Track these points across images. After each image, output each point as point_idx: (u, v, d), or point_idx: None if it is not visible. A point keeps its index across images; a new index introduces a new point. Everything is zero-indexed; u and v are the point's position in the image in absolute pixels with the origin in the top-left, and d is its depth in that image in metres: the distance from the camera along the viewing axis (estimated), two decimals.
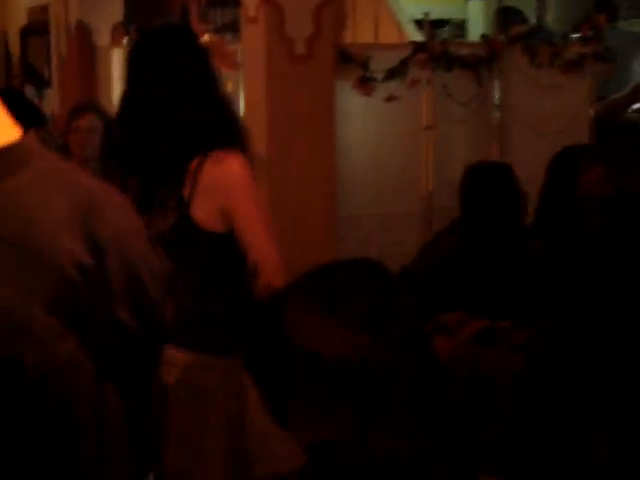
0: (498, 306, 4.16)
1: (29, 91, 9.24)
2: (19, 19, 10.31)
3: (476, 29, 9.22)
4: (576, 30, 6.18)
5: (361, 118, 5.53)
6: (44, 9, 9.43)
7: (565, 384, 4.08)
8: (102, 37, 8.26)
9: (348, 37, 7.15)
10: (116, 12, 8.46)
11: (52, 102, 9.10)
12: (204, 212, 2.98)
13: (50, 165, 1.51)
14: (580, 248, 4.32)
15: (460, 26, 10.51)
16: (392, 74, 5.56)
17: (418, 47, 5.73)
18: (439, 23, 8.97)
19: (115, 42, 8.07)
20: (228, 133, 3.05)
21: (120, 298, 1.51)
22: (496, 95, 5.91)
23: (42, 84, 9.61)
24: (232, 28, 7.67)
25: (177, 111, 3.00)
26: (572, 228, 4.37)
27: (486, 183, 4.38)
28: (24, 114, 6.35)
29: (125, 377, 1.55)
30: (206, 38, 7.58)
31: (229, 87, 7.58)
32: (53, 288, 1.38)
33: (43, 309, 1.35)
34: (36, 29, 9.95)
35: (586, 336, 4.16)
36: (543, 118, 5.97)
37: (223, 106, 3.11)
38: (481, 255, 4.26)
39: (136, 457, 1.63)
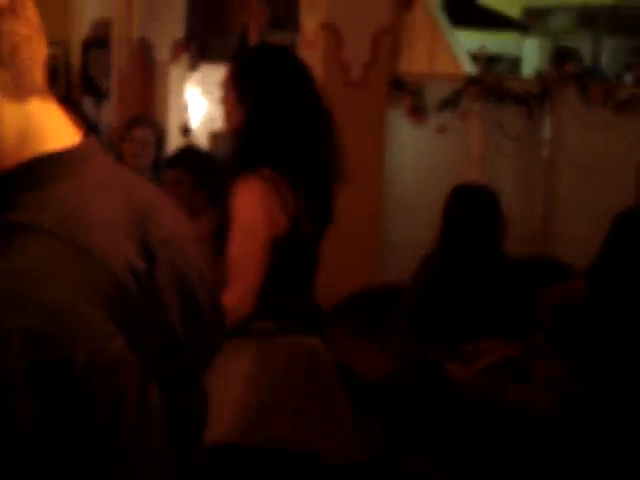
0: (484, 326, 4.21)
1: (87, 102, 9.38)
2: (82, 31, 10.45)
3: (531, 66, 9.25)
4: (629, 71, 6.21)
5: (411, 146, 5.59)
6: (107, 23, 9.57)
7: (602, 426, 4.08)
8: (162, 53, 8.37)
9: (403, 66, 7.23)
10: (177, 29, 8.58)
11: (109, 114, 9.22)
12: None
13: (108, 169, 1.53)
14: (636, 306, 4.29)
15: (515, 62, 10.57)
16: (444, 105, 5.63)
17: (472, 80, 5.80)
18: (494, 58, 9.03)
19: (174, 58, 8.18)
20: (277, 153, 3.12)
21: (170, 302, 1.52)
22: (546, 131, 5.94)
23: (101, 96, 9.73)
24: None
25: (260, 125, 3.12)
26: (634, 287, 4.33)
27: (463, 205, 4.39)
28: (80, 124, 6.45)
29: (170, 381, 1.54)
30: None
31: None
32: (105, 288, 1.38)
33: (94, 308, 1.36)
34: (98, 42, 10.09)
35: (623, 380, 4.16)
36: (591, 157, 5.98)
37: (299, 127, 3.17)
38: (457, 279, 4.28)
39: (178, 462, 1.64)
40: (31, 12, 1.45)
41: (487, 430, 4.04)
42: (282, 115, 3.13)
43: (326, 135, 3.26)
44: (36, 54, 1.43)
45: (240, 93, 3.17)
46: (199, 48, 8.44)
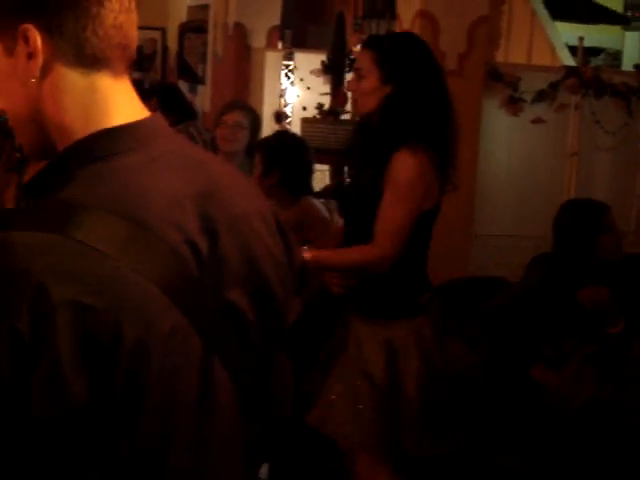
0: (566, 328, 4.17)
1: (183, 87, 9.47)
2: (179, 16, 10.56)
3: (631, 60, 9.09)
4: None
5: (506, 137, 5.54)
6: (204, 8, 9.65)
7: None
8: (258, 39, 8.41)
9: (500, 56, 7.15)
10: (273, 16, 8.62)
11: (204, 99, 9.30)
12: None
13: (174, 146, 1.54)
14: None
15: (615, 56, 10.40)
16: (541, 96, 5.56)
17: (570, 72, 5.71)
18: (594, 51, 8.89)
19: (270, 45, 8.22)
20: (424, 131, 3.38)
21: (234, 280, 1.52)
22: None
23: (196, 80, 9.82)
24: None
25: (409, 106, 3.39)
26: None
27: (575, 220, 4.35)
28: (178, 108, 6.52)
29: (237, 358, 1.54)
30: (358, 48, 7.69)
31: None
32: (162, 263, 1.39)
33: (150, 281, 1.37)
34: (194, 27, 10.18)
35: None
36: None
37: (440, 115, 3.44)
38: (563, 291, 4.24)
39: (248, 443, 1.63)
40: None
41: (580, 433, 3.99)
42: (426, 96, 3.40)
43: (453, 116, 3.49)
44: (107, 32, 1.44)
45: (384, 76, 3.42)
46: (294, 36, 8.46)
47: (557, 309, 4.22)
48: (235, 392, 1.54)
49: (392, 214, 3.31)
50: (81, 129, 1.45)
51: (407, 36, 3.74)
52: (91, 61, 1.44)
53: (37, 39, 1.40)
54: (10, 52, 1.43)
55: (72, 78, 1.44)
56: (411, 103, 3.38)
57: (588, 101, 5.67)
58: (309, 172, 4.66)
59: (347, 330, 3.53)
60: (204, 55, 9.58)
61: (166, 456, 1.43)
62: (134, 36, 1.51)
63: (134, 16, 1.50)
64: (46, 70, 1.42)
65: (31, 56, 1.41)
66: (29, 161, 2.78)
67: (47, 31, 1.41)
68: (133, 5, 1.50)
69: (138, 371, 1.36)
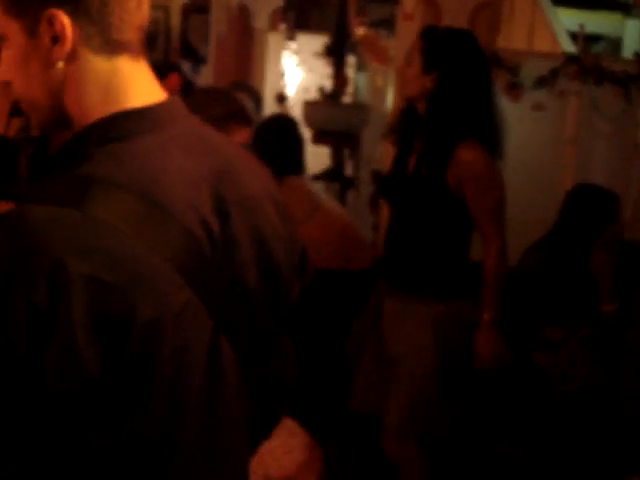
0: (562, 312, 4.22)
1: (185, 67, 9.46)
2: None
3: (631, 47, 9.09)
4: None
5: (505, 123, 5.55)
6: None
7: None
8: (261, 20, 8.42)
9: (501, 42, 7.16)
10: None
11: (207, 79, 9.31)
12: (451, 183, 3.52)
13: (190, 128, 1.56)
14: None
15: (616, 43, 10.39)
16: (541, 83, 5.58)
17: (570, 59, 5.73)
18: (594, 38, 8.90)
19: (273, 26, 8.23)
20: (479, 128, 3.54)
21: (245, 260, 1.54)
22: None
23: (198, 61, 9.81)
24: (388, 24, 7.76)
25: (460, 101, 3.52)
26: None
27: (588, 207, 4.39)
28: (182, 88, 6.50)
29: (245, 339, 1.56)
30: (361, 32, 7.71)
31: (378, 82, 7.68)
32: (176, 242, 1.41)
33: (163, 260, 1.39)
34: (197, 7, 10.15)
35: None
36: None
37: (486, 109, 3.59)
38: (561, 275, 4.29)
39: (256, 422, 1.65)
40: None
41: (579, 416, 4.03)
42: (470, 86, 3.54)
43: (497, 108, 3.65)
44: (131, 15, 1.47)
45: (425, 65, 3.54)
46: (297, 18, 8.47)
47: (555, 292, 4.26)
48: (240, 371, 1.56)
49: (490, 208, 3.53)
50: (100, 110, 1.47)
51: (457, 31, 3.85)
52: (115, 45, 1.47)
53: (66, 24, 1.42)
54: (31, 34, 1.44)
55: (96, 62, 1.46)
56: (455, 94, 3.51)
57: (588, 88, 5.69)
58: (292, 152, 4.62)
59: (382, 304, 3.65)
60: (207, 36, 9.58)
61: (176, 433, 1.45)
62: (148, 15, 1.53)
63: None
64: (72, 55, 1.44)
65: (57, 40, 1.43)
66: (34, 140, 2.83)
67: (74, 16, 1.42)
68: None
69: (150, 347, 1.38)
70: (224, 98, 3.14)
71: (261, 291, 1.58)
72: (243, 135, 3.06)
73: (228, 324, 1.51)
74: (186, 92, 6.83)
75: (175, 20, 10.77)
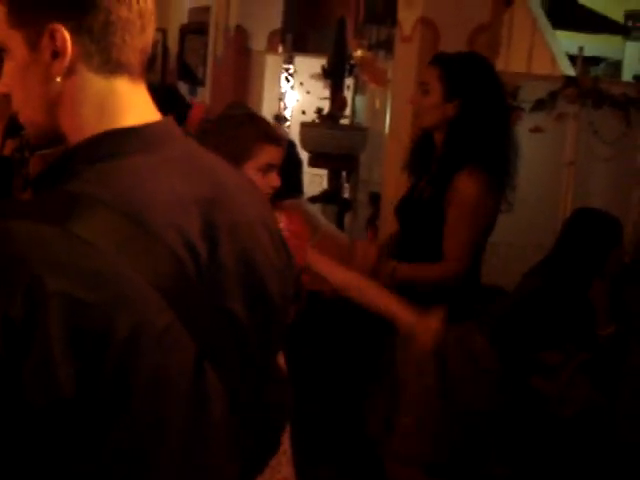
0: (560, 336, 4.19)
1: (183, 88, 9.48)
2: (179, 18, 10.57)
3: (631, 70, 9.10)
4: None
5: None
6: (205, 10, 9.66)
7: None
8: (258, 42, 8.43)
9: (500, 64, 7.15)
10: (274, 19, 8.64)
11: (204, 100, 9.31)
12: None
13: (183, 149, 1.54)
14: None
15: (616, 66, 10.41)
16: (540, 106, 5.56)
17: (569, 81, 5.71)
18: (594, 60, 8.91)
19: (271, 48, 8.23)
20: (486, 152, 3.48)
21: (232, 288, 1.51)
22: None
23: (196, 82, 9.83)
24: (386, 46, 7.76)
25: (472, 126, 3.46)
26: None
27: (593, 232, 4.36)
28: (178, 110, 6.50)
29: (231, 367, 1.53)
30: (359, 53, 7.71)
31: (376, 104, 7.67)
32: (160, 264, 1.39)
33: (146, 281, 1.37)
34: (195, 29, 10.19)
35: None
36: None
37: (504, 136, 3.55)
38: (558, 300, 4.26)
39: (243, 453, 1.61)
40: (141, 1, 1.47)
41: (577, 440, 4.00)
42: (490, 114, 3.49)
43: (512, 136, 3.61)
44: (133, 38, 1.46)
45: (447, 93, 3.49)
46: (295, 40, 8.47)
47: (553, 317, 4.23)
48: (228, 400, 1.52)
49: (461, 234, 3.45)
50: (93, 127, 1.46)
51: (472, 55, 3.81)
52: (114, 66, 1.46)
53: (67, 40, 1.41)
54: (33, 46, 1.44)
55: (93, 81, 1.45)
56: (477, 122, 3.46)
57: (586, 111, 5.68)
58: (290, 174, 4.61)
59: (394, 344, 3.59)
60: (204, 57, 9.59)
61: (154, 454, 1.43)
62: (152, 39, 1.53)
63: (155, 19, 1.51)
64: (70, 71, 1.44)
65: (57, 55, 1.42)
66: (29, 160, 2.80)
67: (76, 32, 1.42)
68: (154, 8, 1.51)
69: (128, 367, 1.36)
70: (248, 119, 3.09)
71: (249, 318, 1.54)
72: (272, 155, 3.01)
73: (213, 350, 1.49)
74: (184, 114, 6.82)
75: (172, 41, 10.80)
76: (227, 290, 1.50)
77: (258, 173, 2.96)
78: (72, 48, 1.42)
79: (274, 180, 2.99)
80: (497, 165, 3.49)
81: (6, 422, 1.34)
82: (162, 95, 6.99)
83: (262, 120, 3.19)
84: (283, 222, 3.13)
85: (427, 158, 3.62)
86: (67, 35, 1.41)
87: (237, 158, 2.92)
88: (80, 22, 1.42)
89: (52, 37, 1.42)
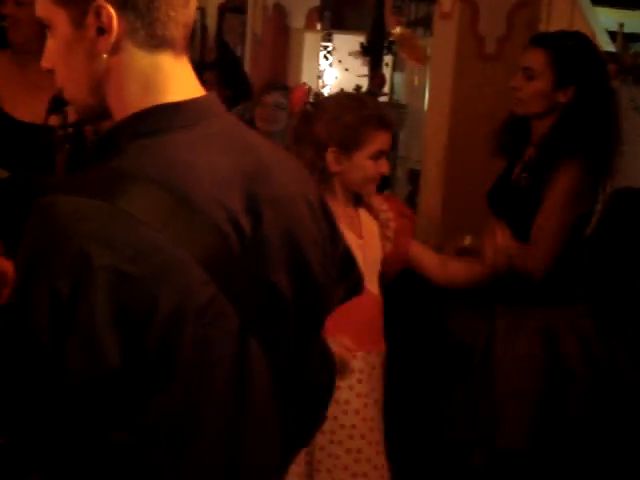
0: None
1: None
2: None
3: None
4: None
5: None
6: None
7: None
8: (297, 20, 8.42)
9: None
10: None
11: None
12: None
13: (225, 125, 1.56)
14: None
15: None
16: None
17: (609, 57, 5.67)
18: (635, 37, 8.81)
19: (309, 26, 8.22)
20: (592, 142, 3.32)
21: (276, 261, 1.53)
22: None
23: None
24: (425, 23, 7.73)
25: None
26: None
27: (624, 212, 4.31)
28: (238, 84, 6.41)
29: (274, 340, 1.55)
30: (397, 31, 7.68)
31: (415, 81, 7.65)
32: (204, 238, 1.41)
33: (190, 255, 1.39)
34: (233, 7, 10.19)
35: None
36: None
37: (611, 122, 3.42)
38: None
39: (285, 428, 1.63)
40: None
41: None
42: (602, 103, 3.36)
43: (619, 125, 3.48)
44: (177, 13, 1.47)
45: (559, 79, 3.33)
46: (333, 17, 8.46)
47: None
48: (270, 373, 1.54)
49: (552, 224, 3.29)
50: (138, 103, 1.48)
51: (580, 36, 3.58)
52: (159, 41, 1.47)
53: (113, 16, 1.43)
54: (78, 24, 1.45)
55: (139, 57, 1.47)
56: (592, 110, 3.33)
57: (627, 87, 5.64)
58: None
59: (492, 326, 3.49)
60: (243, 35, 9.60)
61: (196, 427, 1.45)
62: (194, 14, 1.55)
63: None
64: (116, 47, 1.45)
65: (102, 31, 1.44)
66: (71, 138, 2.84)
67: (121, 9, 1.43)
68: None
69: (171, 340, 1.38)
70: (357, 103, 2.92)
71: (293, 293, 1.56)
72: (381, 140, 2.89)
73: (256, 323, 1.51)
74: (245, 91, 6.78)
75: (211, 20, 10.81)
76: (271, 264, 1.52)
77: (369, 160, 2.88)
78: (117, 24, 1.44)
79: (384, 166, 2.91)
80: (601, 155, 3.35)
81: (50, 394, 1.36)
82: (225, 68, 6.97)
83: (372, 102, 3.04)
84: (386, 205, 3.09)
85: (521, 143, 3.47)
86: (113, 11, 1.43)
87: (347, 145, 2.85)
88: None
89: (97, 14, 1.43)
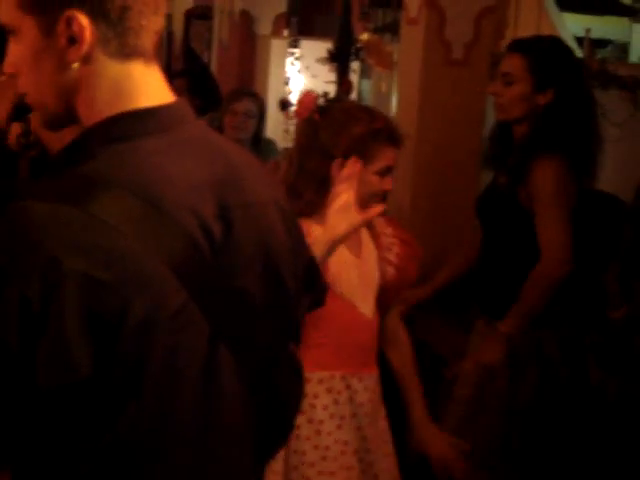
0: None
1: None
2: (185, 3, 10.56)
3: (638, 52, 9.07)
4: None
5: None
6: None
7: None
8: (264, 26, 8.41)
9: (506, 47, 7.12)
10: (279, 3, 8.62)
11: None
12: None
13: (197, 132, 1.56)
14: None
15: (623, 48, 10.36)
16: None
17: None
18: (601, 43, 8.87)
19: (276, 32, 8.20)
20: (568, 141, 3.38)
21: (247, 267, 1.53)
22: None
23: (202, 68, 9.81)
24: (392, 29, 7.73)
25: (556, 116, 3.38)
26: None
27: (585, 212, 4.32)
28: (207, 93, 6.40)
29: (245, 346, 1.54)
30: (365, 37, 7.67)
31: (383, 87, 7.64)
32: (174, 245, 1.41)
33: (161, 262, 1.39)
34: (200, 13, 10.17)
35: None
36: None
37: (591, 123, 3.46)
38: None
39: (256, 435, 1.62)
40: None
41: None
42: (580, 104, 3.42)
43: (597, 125, 3.51)
44: (149, 21, 1.47)
45: (537, 84, 3.39)
46: (300, 24, 8.46)
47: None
48: (241, 379, 1.54)
49: (552, 225, 3.31)
50: (108, 110, 1.47)
51: (555, 40, 3.68)
52: (131, 50, 1.46)
53: (85, 27, 1.41)
54: (47, 32, 1.43)
55: (110, 66, 1.46)
56: (568, 112, 3.36)
57: (594, 93, 5.64)
58: None
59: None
60: (209, 42, 9.58)
61: (166, 434, 1.44)
62: (163, 20, 1.53)
63: (161, 4, 1.51)
64: (88, 58, 1.44)
65: (73, 41, 1.42)
66: (34, 147, 2.80)
67: (94, 18, 1.41)
68: None
69: (142, 346, 1.37)
70: (366, 115, 2.79)
71: (264, 299, 1.56)
72: (390, 157, 2.76)
73: (226, 329, 1.50)
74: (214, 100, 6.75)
75: (177, 26, 10.78)
76: (241, 270, 1.52)
77: (375, 176, 2.74)
78: (90, 34, 1.42)
79: (388, 183, 2.76)
80: (580, 153, 3.37)
81: (19, 401, 1.35)
82: (193, 78, 6.93)
83: (382, 116, 2.87)
84: (389, 230, 3.00)
85: (507, 150, 3.49)
86: (85, 21, 1.41)
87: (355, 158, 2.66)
88: (98, 8, 1.42)
89: (68, 24, 1.41)
